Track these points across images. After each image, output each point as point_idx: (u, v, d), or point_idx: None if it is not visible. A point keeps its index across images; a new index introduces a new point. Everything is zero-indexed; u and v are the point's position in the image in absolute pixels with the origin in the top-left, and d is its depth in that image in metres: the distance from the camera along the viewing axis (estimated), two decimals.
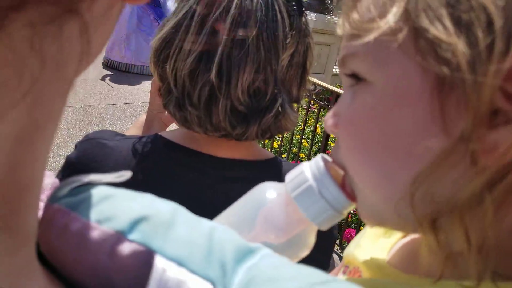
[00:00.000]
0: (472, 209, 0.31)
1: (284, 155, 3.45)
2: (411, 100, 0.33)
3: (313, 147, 3.29)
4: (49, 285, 0.24)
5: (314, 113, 3.84)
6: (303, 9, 0.68)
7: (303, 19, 0.69)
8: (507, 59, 0.28)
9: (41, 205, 0.26)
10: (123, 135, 0.77)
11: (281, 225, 0.41)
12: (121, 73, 6.22)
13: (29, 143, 0.21)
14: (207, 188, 0.70)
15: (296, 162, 2.93)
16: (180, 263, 0.24)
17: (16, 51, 0.17)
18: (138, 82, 6.07)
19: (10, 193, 0.21)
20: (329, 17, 7.34)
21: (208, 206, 0.64)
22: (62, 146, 3.95)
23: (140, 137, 0.73)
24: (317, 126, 3.27)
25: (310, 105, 3.06)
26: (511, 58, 0.28)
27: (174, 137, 0.73)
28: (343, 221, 2.70)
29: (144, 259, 0.24)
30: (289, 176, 0.42)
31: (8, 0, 0.15)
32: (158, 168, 0.70)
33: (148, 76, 6.21)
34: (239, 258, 0.26)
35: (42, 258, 0.25)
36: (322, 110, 2.96)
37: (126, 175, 0.30)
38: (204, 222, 0.29)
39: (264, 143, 3.49)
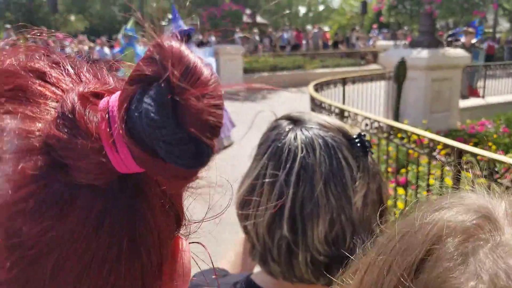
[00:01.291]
0: None
1: None
2: None
3: None
4: None
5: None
6: (367, 149, 0.69)
7: (369, 158, 0.71)
8: None
9: None
10: (224, 273, 0.85)
11: None
12: None
13: None
14: None
15: None
16: None
17: None
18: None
19: None
20: (443, 51, 6.37)
21: None
22: None
23: (235, 283, 0.78)
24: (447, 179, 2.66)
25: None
26: None
27: (264, 283, 0.75)
28: None
29: None
30: None
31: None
32: None
33: None
34: None
35: None
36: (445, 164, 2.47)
37: None
38: None
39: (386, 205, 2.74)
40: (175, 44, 0.26)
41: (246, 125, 8.73)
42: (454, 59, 6.43)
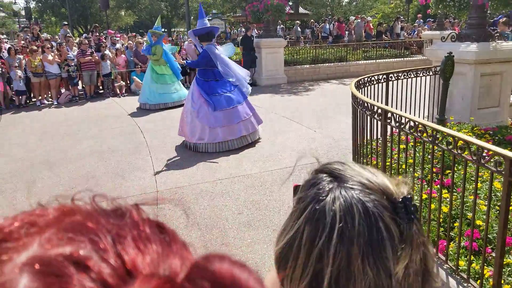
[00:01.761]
0: None
1: (456, 223, 2.99)
2: None
3: (492, 210, 2.88)
4: None
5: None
6: (412, 216, 0.65)
7: (414, 226, 0.66)
8: None
9: None
10: None
11: None
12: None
13: None
14: None
15: (472, 231, 2.59)
16: None
17: None
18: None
19: None
20: (494, 44, 6.14)
21: None
22: (231, 219, 4.27)
23: None
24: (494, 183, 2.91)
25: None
26: None
27: None
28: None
29: None
30: None
31: None
32: None
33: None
34: None
35: None
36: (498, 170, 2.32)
37: None
38: None
39: (430, 208, 3.07)
40: (225, 268, 0.27)
41: (284, 118, 8.57)
42: (506, 52, 6.12)
